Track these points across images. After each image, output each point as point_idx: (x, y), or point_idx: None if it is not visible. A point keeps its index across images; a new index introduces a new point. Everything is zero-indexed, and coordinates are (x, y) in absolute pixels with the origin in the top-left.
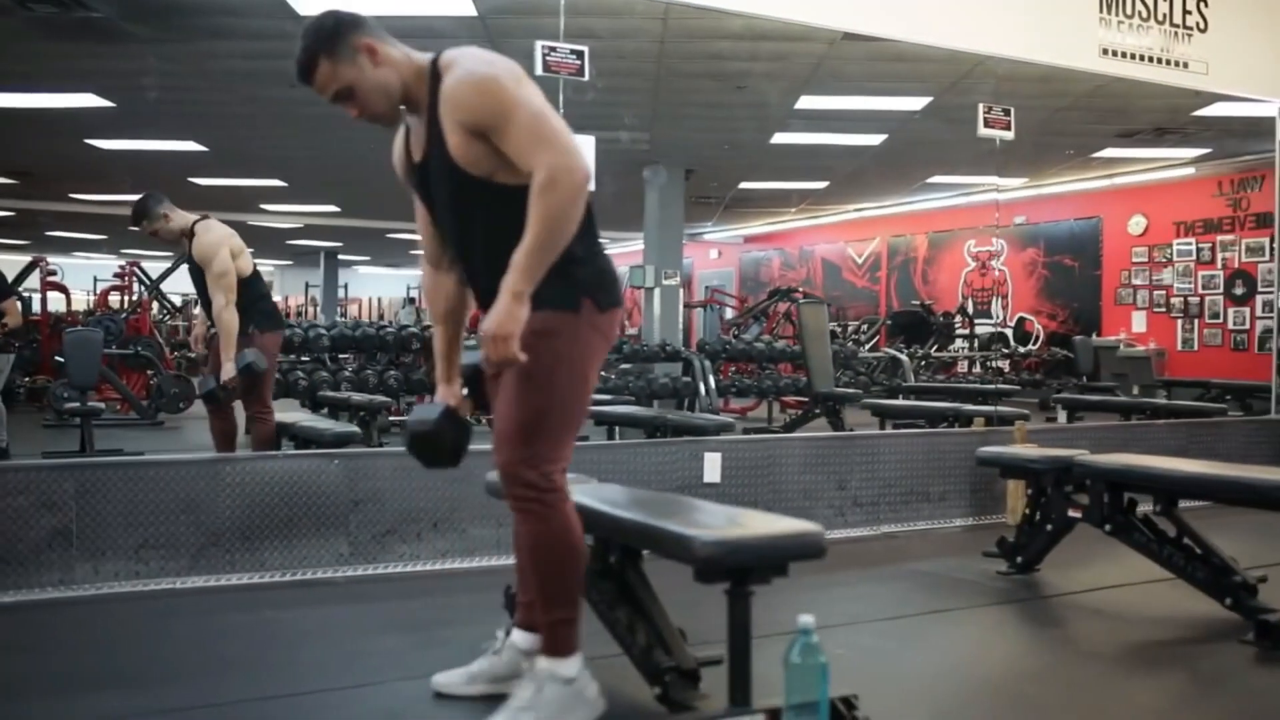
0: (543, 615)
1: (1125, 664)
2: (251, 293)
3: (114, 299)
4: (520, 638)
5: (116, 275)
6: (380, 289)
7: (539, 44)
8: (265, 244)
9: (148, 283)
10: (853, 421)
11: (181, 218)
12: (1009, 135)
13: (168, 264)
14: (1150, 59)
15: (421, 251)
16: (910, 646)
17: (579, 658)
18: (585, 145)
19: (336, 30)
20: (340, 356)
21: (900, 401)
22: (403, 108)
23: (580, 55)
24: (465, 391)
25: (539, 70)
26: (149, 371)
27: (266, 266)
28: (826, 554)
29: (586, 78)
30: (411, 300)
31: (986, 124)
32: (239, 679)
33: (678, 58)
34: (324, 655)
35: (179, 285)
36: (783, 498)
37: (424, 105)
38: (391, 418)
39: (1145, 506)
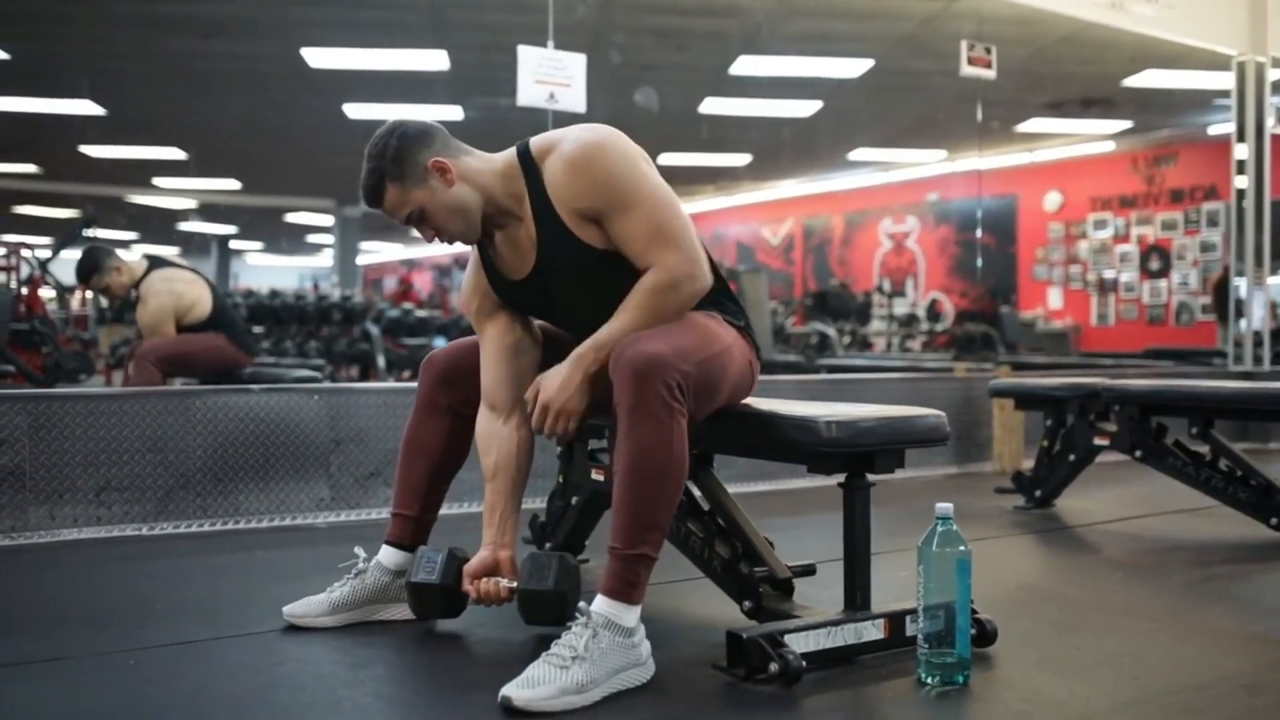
0: (624, 547)
1: (1181, 578)
2: (217, 325)
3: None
4: (391, 556)
5: (4, 257)
6: (272, 281)
7: None
8: (152, 228)
9: (35, 263)
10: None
11: (131, 271)
12: (990, 74)
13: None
14: (1118, 6)
15: (483, 394)
16: None
17: (639, 611)
18: (578, 62)
19: (402, 152)
20: (254, 329)
21: (860, 361)
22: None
23: None
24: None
25: None
26: (44, 348)
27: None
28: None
29: None
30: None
31: (970, 62)
32: (253, 610)
33: (623, 10)
34: None
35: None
36: None
37: (524, 204)
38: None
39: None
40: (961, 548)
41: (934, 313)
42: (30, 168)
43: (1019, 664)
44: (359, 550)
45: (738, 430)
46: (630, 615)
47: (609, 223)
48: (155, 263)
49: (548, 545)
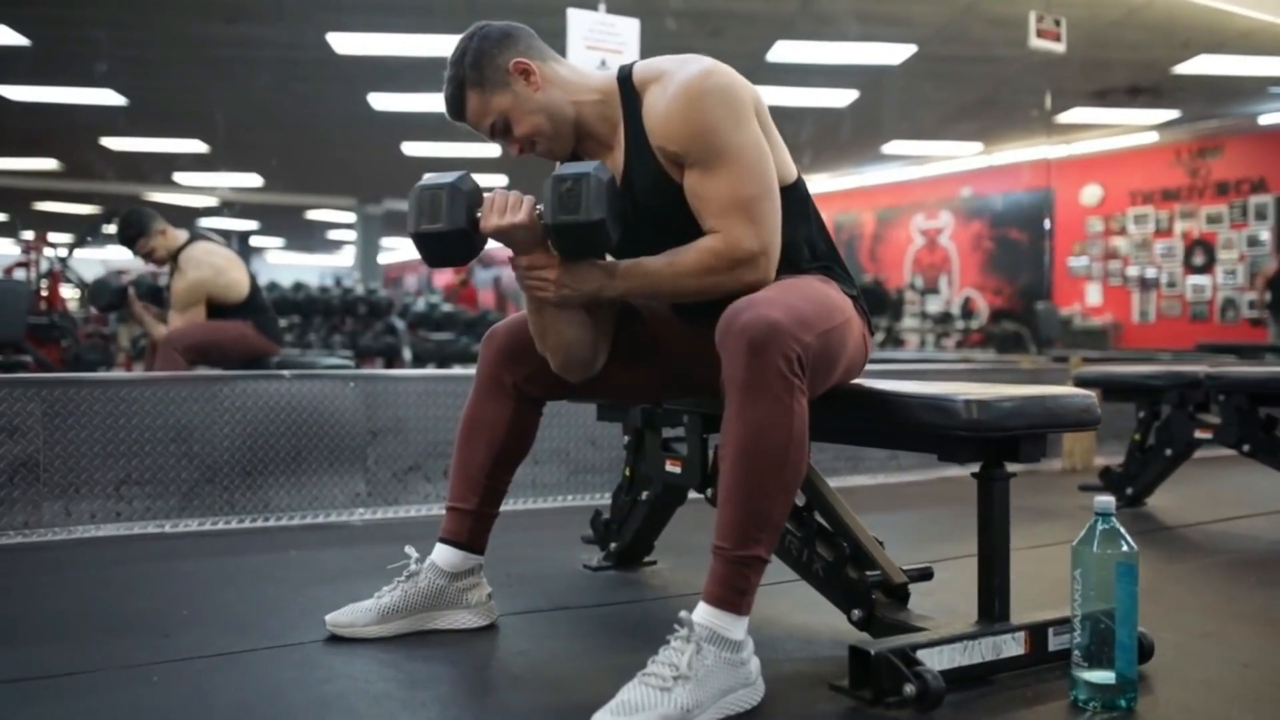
0: (732, 547)
1: None
2: (248, 311)
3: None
4: (446, 556)
5: (23, 252)
6: (293, 278)
7: None
8: (172, 223)
9: (54, 259)
10: None
11: (175, 236)
12: (1060, 48)
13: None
14: None
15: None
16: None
17: (747, 623)
18: (631, 26)
19: (481, 55)
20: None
21: (902, 355)
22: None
23: None
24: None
25: None
26: (63, 342)
27: None
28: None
29: None
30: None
31: (1039, 34)
32: (291, 617)
33: None
34: None
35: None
36: None
37: (617, 131)
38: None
39: None
40: (1125, 548)
41: (967, 310)
42: (51, 163)
43: (1184, 685)
44: (410, 550)
45: (853, 413)
46: (738, 628)
47: (690, 173)
48: (196, 235)
49: (613, 545)
